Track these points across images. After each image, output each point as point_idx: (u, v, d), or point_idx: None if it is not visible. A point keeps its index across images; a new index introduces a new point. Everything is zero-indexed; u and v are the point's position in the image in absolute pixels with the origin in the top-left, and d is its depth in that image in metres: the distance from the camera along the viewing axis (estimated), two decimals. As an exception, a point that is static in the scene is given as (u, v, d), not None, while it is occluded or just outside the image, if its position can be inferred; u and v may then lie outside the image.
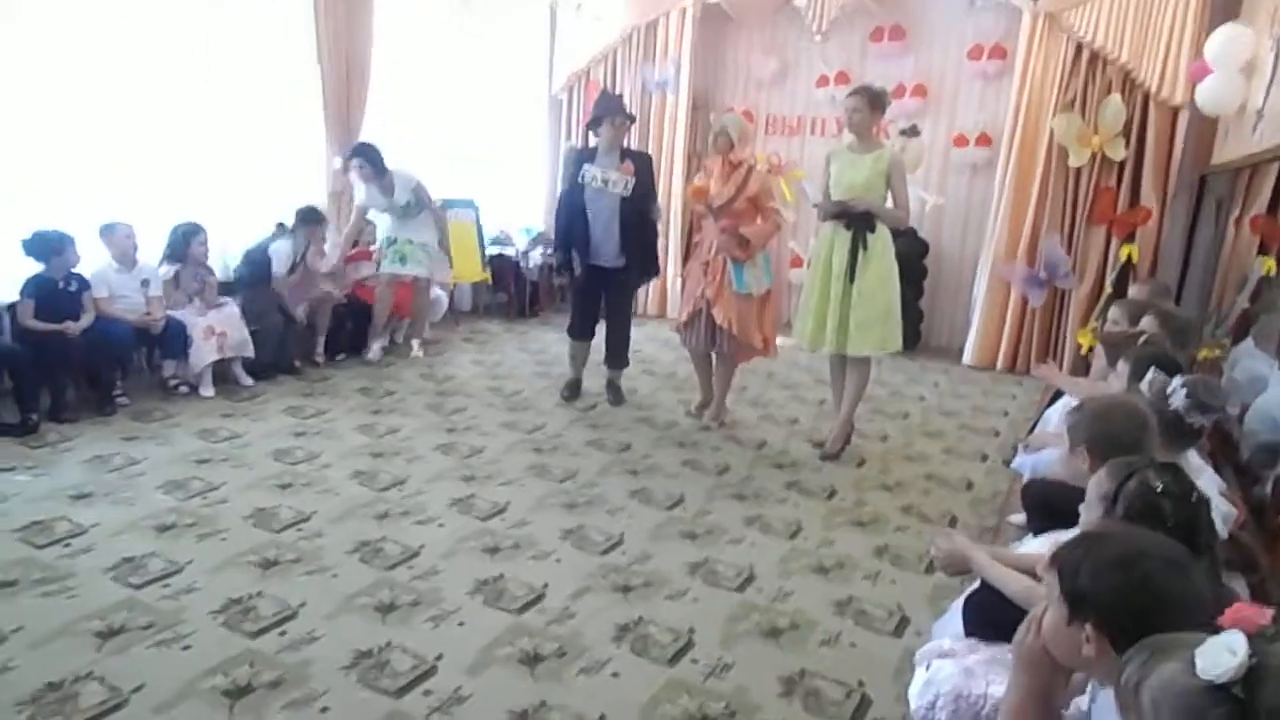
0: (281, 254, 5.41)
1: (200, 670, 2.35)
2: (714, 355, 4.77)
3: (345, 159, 5.73)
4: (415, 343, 6.13)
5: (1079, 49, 5.93)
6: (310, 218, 5.54)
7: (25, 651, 2.40)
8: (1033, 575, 1.93)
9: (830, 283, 4.20)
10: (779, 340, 4.81)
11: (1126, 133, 5.89)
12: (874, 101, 4.11)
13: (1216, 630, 0.96)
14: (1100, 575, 1.27)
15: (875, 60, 7.22)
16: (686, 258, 4.90)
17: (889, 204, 4.19)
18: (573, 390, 5.23)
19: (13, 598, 2.68)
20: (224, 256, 5.55)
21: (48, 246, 4.31)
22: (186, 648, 2.46)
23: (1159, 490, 1.60)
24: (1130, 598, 1.23)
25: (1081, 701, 1.47)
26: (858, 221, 4.11)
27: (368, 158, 5.58)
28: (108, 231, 4.62)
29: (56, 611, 2.60)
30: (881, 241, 4.16)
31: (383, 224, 5.96)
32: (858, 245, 4.12)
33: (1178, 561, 1.27)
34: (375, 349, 5.89)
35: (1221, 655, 0.91)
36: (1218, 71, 4.86)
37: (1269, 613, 0.97)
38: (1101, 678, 1.30)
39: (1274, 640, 0.93)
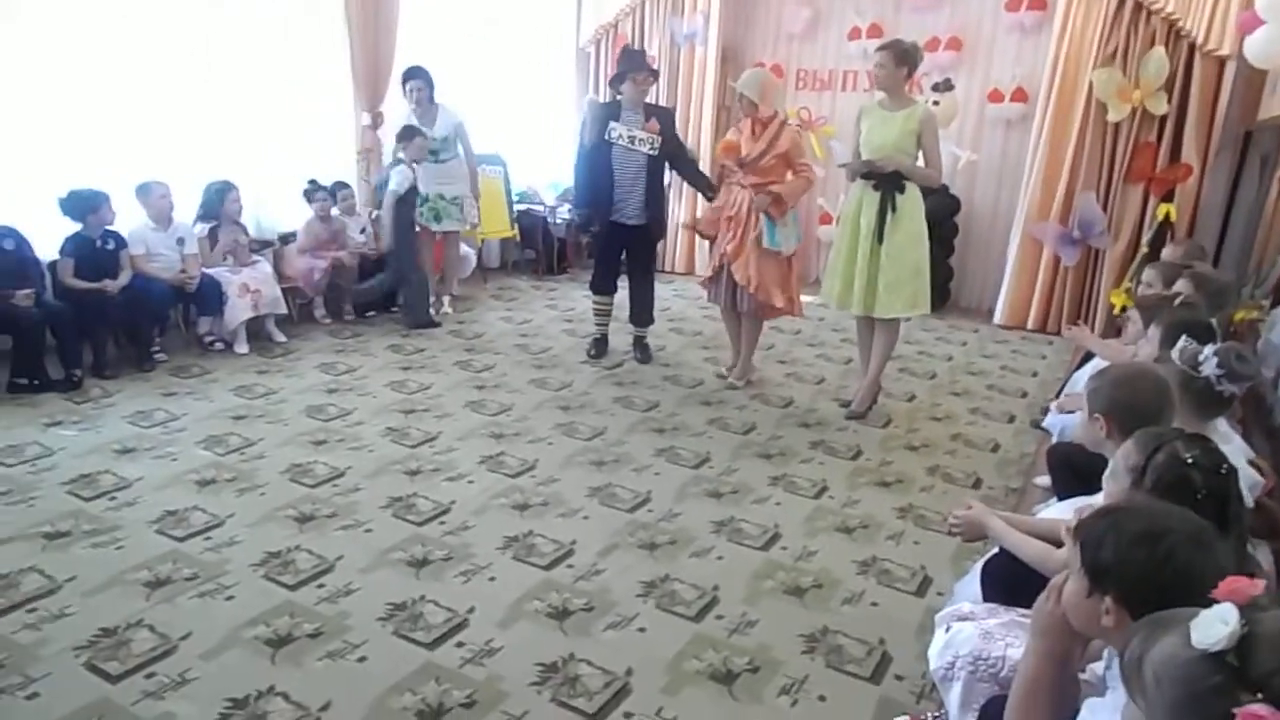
0: (403, 175, 5.48)
1: (243, 620, 2.45)
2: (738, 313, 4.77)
3: (402, 81, 5.72)
4: (446, 299, 6.20)
5: (1122, 0, 5.74)
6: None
7: (80, 599, 2.52)
8: (1052, 540, 1.95)
9: (858, 243, 4.16)
10: (807, 298, 4.80)
11: (1169, 87, 5.72)
12: (901, 57, 3.99)
13: (1213, 603, 0.99)
14: (1124, 550, 1.28)
15: (909, 12, 7.03)
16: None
17: (920, 163, 4.12)
18: (599, 348, 5.27)
19: (66, 548, 2.80)
20: (256, 215, 5.61)
21: (83, 205, 4.38)
22: (230, 598, 2.56)
23: (1189, 462, 1.59)
24: (1153, 573, 1.25)
25: (1097, 668, 1.50)
26: (886, 182, 4.06)
27: (426, 79, 5.65)
28: (144, 192, 4.69)
29: (106, 562, 2.72)
30: (910, 202, 4.10)
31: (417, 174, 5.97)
32: (886, 206, 4.07)
33: (1201, 538, 1.27)
34: (444, 303, 6.16)
35: (1214, 626, 0.94)
36: (1269, 23, 4.68)
37: (1261, 583, 1.00)
38: (1119, 647, 1.33)
39: (1265, 609, 0.96)
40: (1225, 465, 1.60)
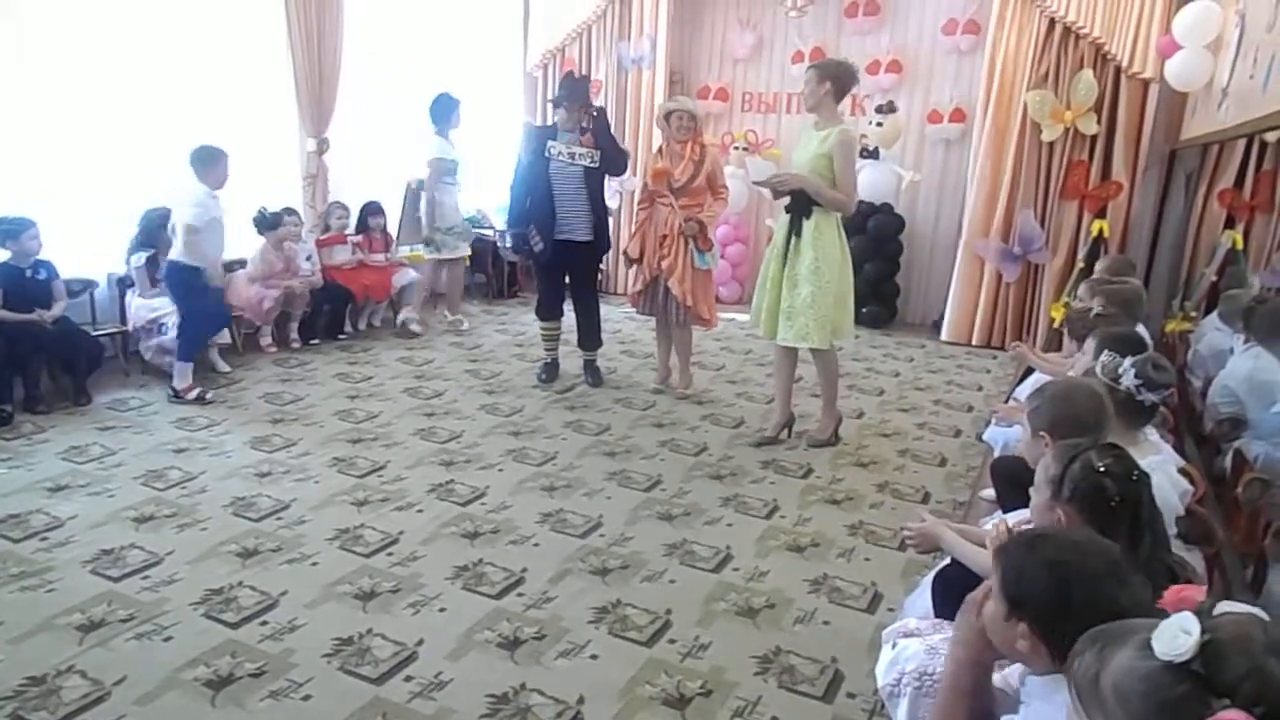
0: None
1: (182, 661, 2.37)
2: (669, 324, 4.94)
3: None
4: (458, 317, 6.61)
5: (1051, 24, 5.95)
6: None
7: (5, 646, 2.41)
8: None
9: (770, 265, 4.12)
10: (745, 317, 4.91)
11: (1098, 108, 5.93)
12: (823, 74, 3.91)
13: (1160, 613, 1.00)
14: (1039, 582, 1.32)
15: (850, 35, 7.20)
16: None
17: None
18: (550, 372, 5.24)
19: (-9, 593, 2.68)
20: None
21: (5, 231, 4.24)
22: (168, 639, 2.48)
23: (1101, 470, 1.65)
24: (1065, 606, 1.27)
25: (1011, 677, 1.54)
26: (795, 205, 3.97)
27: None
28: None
29: (36, 606, 2.61)
30: (817, 230, 3.94)
31: (446, 206, 6.22)
32: (792, 231, 3.99)
33: (1116, 572, 1.31)
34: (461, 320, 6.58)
35: (1178, 636, 0.94)
36: (1186, 47, 4.90)
37: (1204, 589, 1.01)
38: (1034, 668, 1.36)
39: (1214, 615, 0.96)
40: (1137, 472, 1.66)
